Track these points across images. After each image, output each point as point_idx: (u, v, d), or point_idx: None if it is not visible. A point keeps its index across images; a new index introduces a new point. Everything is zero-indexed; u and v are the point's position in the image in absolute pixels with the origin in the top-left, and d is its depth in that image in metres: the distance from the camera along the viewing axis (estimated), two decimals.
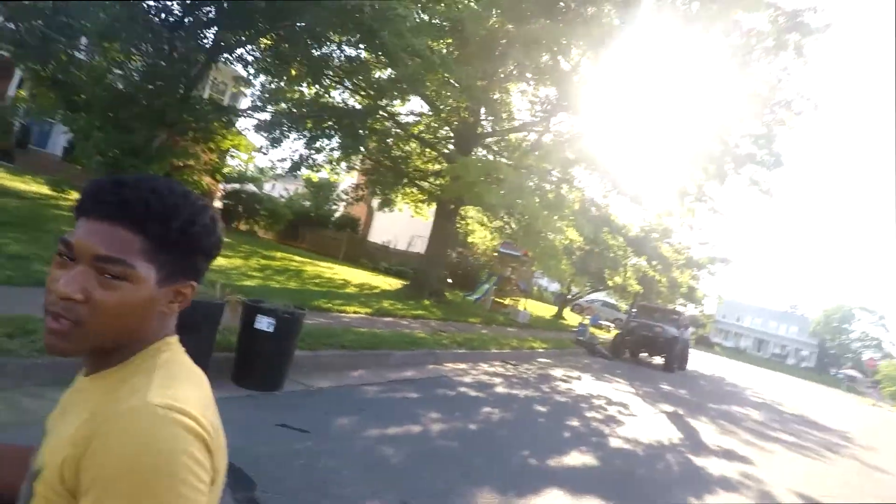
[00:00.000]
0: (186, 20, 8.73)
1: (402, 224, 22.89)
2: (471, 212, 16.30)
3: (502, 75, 12.44)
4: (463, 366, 7.57)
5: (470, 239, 19.76)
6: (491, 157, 13.84)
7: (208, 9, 8.82)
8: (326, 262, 16.20)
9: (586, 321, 15.19)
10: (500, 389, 6.62)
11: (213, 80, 16.12)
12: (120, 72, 9.38)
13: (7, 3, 8.00)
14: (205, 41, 9.31)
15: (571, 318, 22.66)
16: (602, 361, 12.77)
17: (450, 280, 18.96)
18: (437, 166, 14.60)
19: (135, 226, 0.73)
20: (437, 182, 14.10)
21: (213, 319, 4.22)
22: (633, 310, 18.35)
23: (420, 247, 20.76)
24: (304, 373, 5.11)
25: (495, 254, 18.42)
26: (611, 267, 19.60)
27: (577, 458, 4.57)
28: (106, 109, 8.38)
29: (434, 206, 14.52)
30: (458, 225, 15.86)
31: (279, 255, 14.34)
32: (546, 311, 22.52)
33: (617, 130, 11.16)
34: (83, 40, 8.88)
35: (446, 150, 13.48)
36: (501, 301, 16.79)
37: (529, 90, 13.39)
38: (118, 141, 8.12)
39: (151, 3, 8.68)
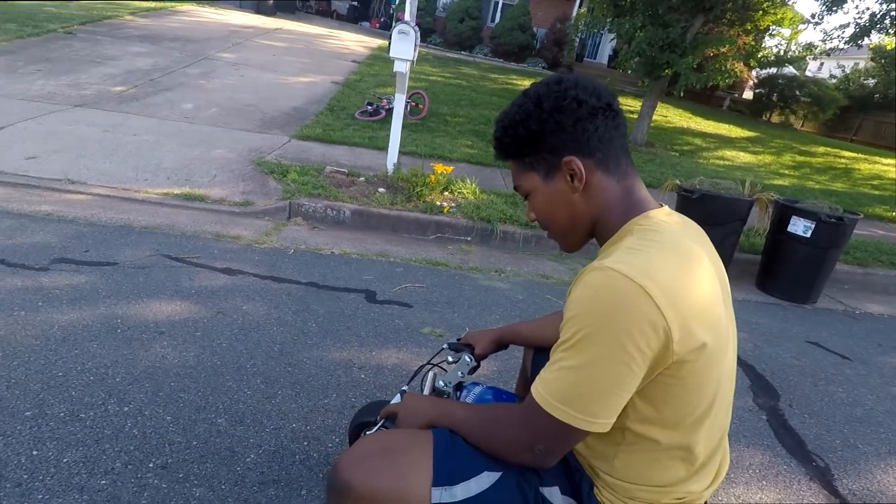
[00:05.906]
0: None
1: None
2: None
3: None
4: None
5: None
6: None
7: None
8: (892, 157, 12.43)
9: None
10: None
11: None
12: None
13: None
14: None
15: None
16: None
17: None
18: None
19: (503, 154, 0.97)
20: None
21: (738, 217, 3.99)
22: None
23: None
24: (845, 291, 4.28)
25: None
26: None
27: None
28: (647, 7, 8.73)
29: None
30: None
31: (821, 150, 12.00)
32: None
33: None
34: None
35: None
36: None
37: None
38: (656, 38, 8.39)
39: None
